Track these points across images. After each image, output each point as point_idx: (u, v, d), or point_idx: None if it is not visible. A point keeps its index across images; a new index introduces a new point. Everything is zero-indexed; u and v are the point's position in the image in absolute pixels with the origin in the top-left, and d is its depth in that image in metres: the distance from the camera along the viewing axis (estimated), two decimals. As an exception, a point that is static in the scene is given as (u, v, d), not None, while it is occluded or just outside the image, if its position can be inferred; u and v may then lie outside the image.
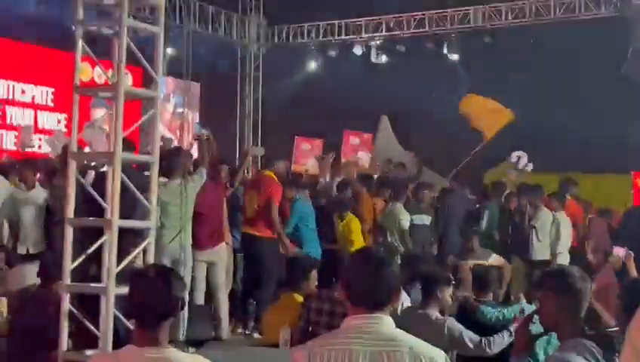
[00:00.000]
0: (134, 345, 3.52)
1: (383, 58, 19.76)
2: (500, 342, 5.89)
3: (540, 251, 11.17)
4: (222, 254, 9.31)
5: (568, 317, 3.92)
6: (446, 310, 6.17)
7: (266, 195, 9.89)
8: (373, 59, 19.67)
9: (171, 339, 3.64)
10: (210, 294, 9.26)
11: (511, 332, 5.97)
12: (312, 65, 20.59)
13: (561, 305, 3.95)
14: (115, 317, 5.25)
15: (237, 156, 19.84)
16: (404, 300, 6.49)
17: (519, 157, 13.66)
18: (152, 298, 3.50)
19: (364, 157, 13.59)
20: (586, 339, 3.79)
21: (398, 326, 3.24)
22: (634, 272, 7.40)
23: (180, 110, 18.45)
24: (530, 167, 13.68)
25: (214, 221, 9.20)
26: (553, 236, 11.15)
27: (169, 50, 17.43)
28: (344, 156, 13.27)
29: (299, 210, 10.20)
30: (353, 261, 3.37)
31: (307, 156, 13.30)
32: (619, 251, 7.96)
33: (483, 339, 5.89)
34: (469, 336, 5.86)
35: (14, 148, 14.39)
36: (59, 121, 15.73)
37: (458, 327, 5.89)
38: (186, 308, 3.84)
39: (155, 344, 3.47)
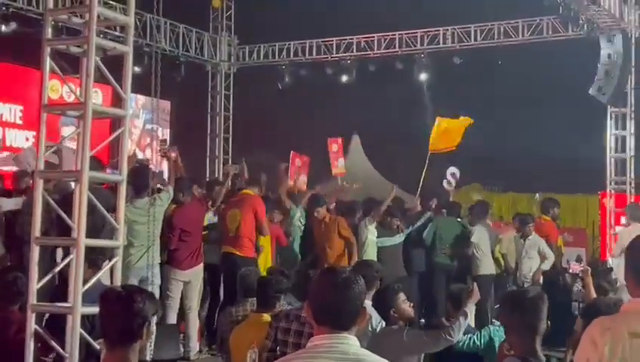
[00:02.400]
0: None
1: (354, 78, 19.84)
2: (459, 327, 5.88)
3: (483, 266, 11.42)
4: (199, 274, 9.30)
5: (516, 337, 3.98)
6: (407, 318, 6.13)
7: (251, 213, 9.82)
8: (344, 78, 19.75)
9: (139, 359, 3.63)
10: (181, 313, 9.23)
11: (466, 315, 5.95)
12: (283, 84, 20.63)
13: (510, 326, 4.02)
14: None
15: (207, 174, 19.90)
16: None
17: (453, 173, 13.91)
18: (123, 318, 3.50)
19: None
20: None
21: (369, 347, 3.24)
22: (591, 287, 7.51)
23: (149, 126, 18.40)
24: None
25: (197, 240, 9.20)
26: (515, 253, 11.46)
27: (139, 69, 17.42)
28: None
29: None
30: (318, 281, 3.34)
31: (299, 172, 13.45)
32: (575, 267, 8.07)
33: (441, 331, 5.88)
34: (428, 334, 5.87)
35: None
36: (27, 139, 15.61)
37: (416, 330, 5.91)
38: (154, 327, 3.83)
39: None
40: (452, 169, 13.93)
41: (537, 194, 15.61)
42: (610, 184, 17.32)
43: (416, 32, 19.18)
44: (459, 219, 12.44)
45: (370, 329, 5.87)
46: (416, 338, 5.86)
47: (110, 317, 3.54)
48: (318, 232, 10.88)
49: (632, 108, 17.08)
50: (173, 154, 8.99)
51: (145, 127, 18.70)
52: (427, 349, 5.99)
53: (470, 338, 6.59)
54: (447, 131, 14.22)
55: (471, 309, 6.04)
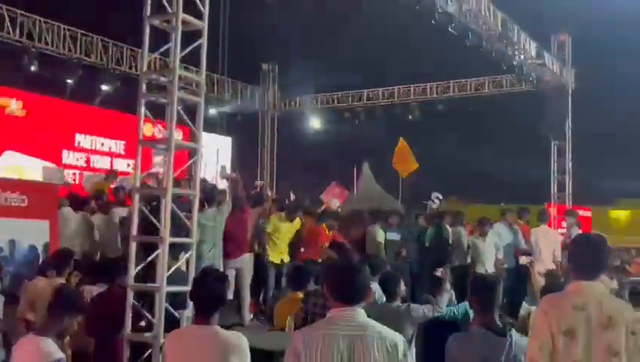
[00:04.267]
0: (195, 324, 3.72)
1: (365, 120, 20.05)
2: (444, 299, 5.81)
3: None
4: (246, 261, 9.19)
5: (480, 312, 3.92)
6: (402, 297, 6.06)
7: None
8: (357, 121, 20.02)
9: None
10: (236, 291, 9.21)
11: (448, 291, 5.86)
12: (315, 127, 21.03)
13: (475, 304, 3.99)
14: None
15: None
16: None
17: (437, 197, 13.31)
18: (209, 291, 3.66)
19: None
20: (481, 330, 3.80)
21: (372, 316, 3.23)
22: (536, 274, 7.39)
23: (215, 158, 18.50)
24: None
25: (239, 237, 9.12)
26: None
27: (211, 113, 17.70)
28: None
29: None
30: (335, 267, 3.40)
31: (334, 196, 13.54)
32: (523, 259, 7.92)
33: (430, 306, 5.77)
34: (424, 309, 5.77)
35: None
36: (128, 165, 15.82)
37: (416, 307, 5.79)
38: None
39: (208, 323, 3.63)
40: (436, 193, 13.42)
41: (502, 204, 15.60)
42: (554, 198, 17.54)
43: (409, 87, 19.42)
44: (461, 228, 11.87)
45: (374, 300, 5.82)
46: (415, 316, 5.78)
47: (202, 290, 3.66)
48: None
49: (569, 142, 17.49)
50: (233, 175, 9.03)
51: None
52: (423, 319, 5.90)
53: (451, 310, 6.51)
54: (404, 156, 14.23)
55: (447, 288, 5.99)
